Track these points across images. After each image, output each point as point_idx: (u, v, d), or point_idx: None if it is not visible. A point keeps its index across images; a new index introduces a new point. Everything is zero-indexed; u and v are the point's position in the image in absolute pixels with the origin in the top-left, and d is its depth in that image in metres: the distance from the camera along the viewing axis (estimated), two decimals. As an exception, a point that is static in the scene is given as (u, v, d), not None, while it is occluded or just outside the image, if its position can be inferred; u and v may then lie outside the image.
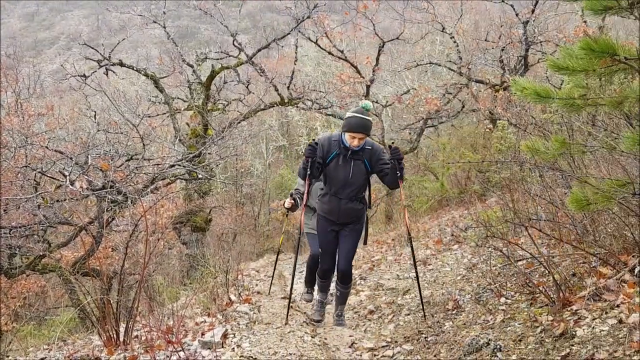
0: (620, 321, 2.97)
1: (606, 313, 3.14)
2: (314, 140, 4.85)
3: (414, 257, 5.28)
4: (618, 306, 3.14)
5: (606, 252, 3.80)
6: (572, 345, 2.97)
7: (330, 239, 5.10)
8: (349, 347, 4.60)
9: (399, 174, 4.74)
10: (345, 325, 5.38)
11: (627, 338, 2.76)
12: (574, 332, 3.08)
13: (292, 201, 6.15)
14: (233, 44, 13.32)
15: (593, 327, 3.04)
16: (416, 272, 5.14)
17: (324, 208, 5.05)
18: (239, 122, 13.51)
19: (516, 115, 9.88)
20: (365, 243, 5.35)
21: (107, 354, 4.24)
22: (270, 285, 8.07)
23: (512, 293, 4.33)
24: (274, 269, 8.38)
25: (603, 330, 2.96)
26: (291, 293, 5.22)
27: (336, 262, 5.20)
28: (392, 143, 4.96)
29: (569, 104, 3.29)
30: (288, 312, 5.18)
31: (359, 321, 5.85)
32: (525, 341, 3.31)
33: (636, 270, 3.43)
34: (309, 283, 6.53)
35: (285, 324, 5.00)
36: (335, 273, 5.20)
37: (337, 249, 5.13)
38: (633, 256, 3.59)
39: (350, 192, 4.91)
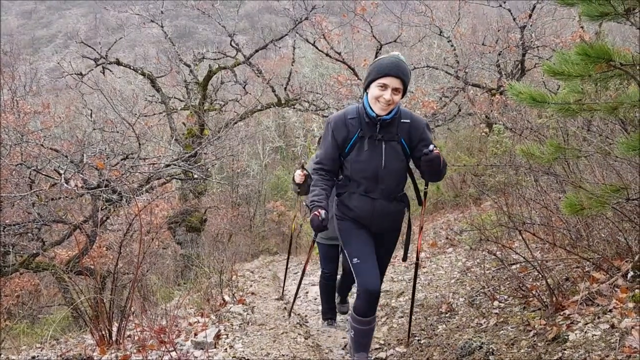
0: (613, 326, 2.98)
1: (599, 318, 3.14)
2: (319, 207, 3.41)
3: (414, 284, 4.17)
4: (610, 311, 3.15)
5: (599, 257, 3.81)
6: (565, 350, 2.97)
7: (366, 237, 3.61)
8: (342, 349, 4.60)
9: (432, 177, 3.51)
10: None
11: (619, 343, 2.77)
12: (566, 337, 3.09)
13: (305, 172, 4.61)
14: (231, 45, 13.30)
15: (585, 332, 3.04)
16: (413, 293, 4.19)
17: (351, 212, 3.59)
18: (236, 123, 13.51)
19: (512, 119, 9.92)
20: (404, 259, 3.87)
21: (100, 353, 4.23)
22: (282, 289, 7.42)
23: (506, 297, 4.34)
24: (285, 273, 6.99)
25: (595, 335, 2.97)
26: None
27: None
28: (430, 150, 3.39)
29: (565, 108, 3.30)
30: (292, 306, 5.45)
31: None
32: (518, 345, 3.32)
33: (629, 276, 3.44)
34: (328, 311, 5.49)
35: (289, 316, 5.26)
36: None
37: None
38: (626, 261, 3.60)
39: (386, 187, 3.50)
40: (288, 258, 5.88)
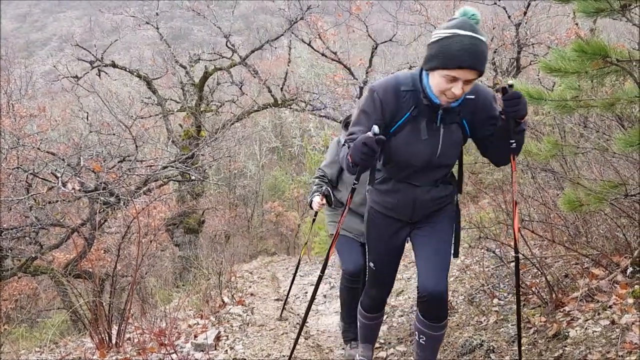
0: (613, 322, 2.98)
1: (599, 314, 3.15)
2: (376, 127, 2.49)
3: (518, 291, 2.87)
4: (610, 307, 3.16)
5: (598, 253, 3.81)
6: (565, 346, 2.98)
7: (393, 247, 3.05)
8: (342, 348, 4.60)
9: (513, 144, 2.63)
10: None
11: (619, 339, 2.77)
12: (566, 333, 3.09)
13: (323, 198, 4.05)
14: (226, 45, 13.29)
15: (586, 328, 3.05)
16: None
17: (386, 201, 2.93)
18: (232, 124, 13.49)
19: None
20: (456, 254, 2.99)
21: (100, 356, 4.22)
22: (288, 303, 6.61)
23: (505, 294, 4.34)
24: (291, 284, 6.02)
25: (596, 331, 2.97)
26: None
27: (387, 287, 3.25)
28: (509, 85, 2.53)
29: (561, 105, 3.31)
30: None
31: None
32: (519, 342, 3.32)
33: (628, 271, 3.44)
34: (349, 328, 4.22)
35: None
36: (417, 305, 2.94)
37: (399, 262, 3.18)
38: (625, 257, 3.60)
39: (434, 175, 2.85)
40: (295, 273, 5.38)
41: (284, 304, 5.38)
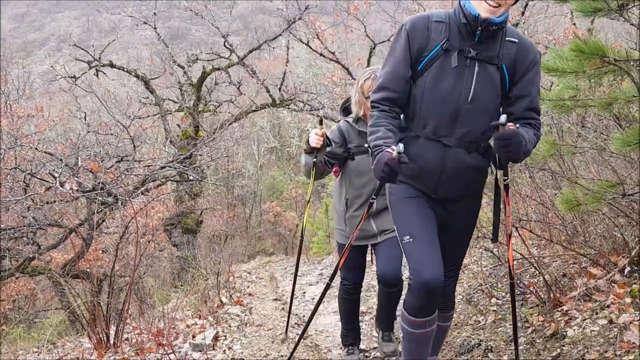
0: (611, 321, 2.98)
1: (596, 313, 3.15)
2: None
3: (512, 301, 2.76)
4: (608, 306, 3.16)
5: (596, 252, 3.82)
6: (563, 346, 2.98)
7: (424, 209, 2.55)
8: (341, 348, 4.59)
9: (505, 180, 2.49)
10: None
11: (617, 338, 2.77)
12: (564, 333, 3.09)
13: (323, 129, 3.45)
14: (224, 45, 13.28)
15: (584, 328, 3.05)
16: None
17: (409, 167, 2.41)
18: (230, 124, 13.49)
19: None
20: (495, 239, 2.71)
21: (98, 356, 4.22)
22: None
23: (503, 294, 4.34)
24: (293, 288, 4.78)
25: (594, 331, 2.98)
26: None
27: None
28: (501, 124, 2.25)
29: (559, 105, 3.31)
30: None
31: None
32: (517, 342, 3.32)
33: (626, 271, 3.45)
34: (349, 334, 3.90)
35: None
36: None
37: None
38: (623, 256, 3.61)
39: (467, 132, 2.41)
40: (295, 275, 4.46)
41: (288, 319, 4.64)
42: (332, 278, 2.92)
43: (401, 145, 2.23)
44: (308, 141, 3.48)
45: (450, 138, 2.42)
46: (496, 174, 2.60)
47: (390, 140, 2.35)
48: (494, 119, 2.31)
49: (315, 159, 3.52)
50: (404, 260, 2.73)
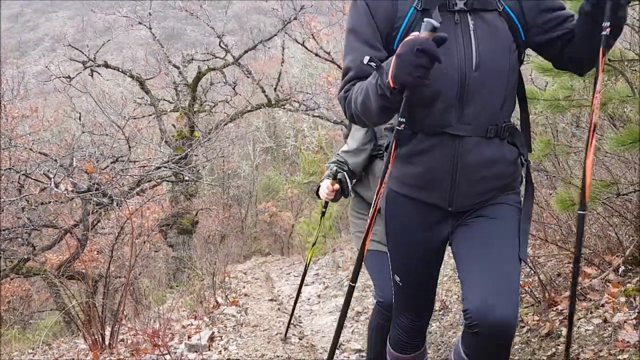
0: (605, 320, 3.00)
1: (591, 312, 3.16)
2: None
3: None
4: (603, 305, 3.17)
5: (591, 252, 3.83)
6: (558, 345, 2.99)
7: (427, 250, 2.04)
8: (337, 348, 4.60)
9: (606, 29, 1.67)
10: None
11: (612, 337, 2.78)
12: (559, 332, 3.10)
13: (336, 184, 2.95)
14: (219, 46, 13.27)
15: (578, 327, 3.06)
16: None
17: (410, 173, 1.93)
18: (226, 124, 13.48)
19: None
20: (523, 256, 1.89)
21: (93, 357, 4.20)
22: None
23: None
24: (296, 298, 4.86)
25: (588, 330, 2.99)
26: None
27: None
28: None
29: (554, 105, 3.32)
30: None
31: (346, 322, 5.85)
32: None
33: (620, 270, 3.46)
34: None
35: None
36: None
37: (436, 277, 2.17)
38: (617, 256, 3.62)
39: (479, 111, 1.83)
40: (301, 283, 4.20)
41: (289, 323, 4.61)
42: (354, 279, 2.02)
43: (434, 21, 1.56)
44: (318, 191, 3.06)
45: (460, 125, 1.81)
46: (526, 177, 2.00)
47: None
48: (510, 83, 1.85)
49: (325, 207, 3.37)
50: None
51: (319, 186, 3.05)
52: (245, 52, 13.46)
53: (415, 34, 1.59)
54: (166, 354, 3.82)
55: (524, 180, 2.01)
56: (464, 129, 1.81)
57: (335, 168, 2.97)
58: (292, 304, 4.80)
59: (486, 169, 1.86)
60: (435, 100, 1.79)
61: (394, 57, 1.60)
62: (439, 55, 1.55)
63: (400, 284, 2.08)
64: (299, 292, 4.24)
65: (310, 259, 4.29)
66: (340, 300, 6.70)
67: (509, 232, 1.89)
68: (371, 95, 1.71)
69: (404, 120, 1.72)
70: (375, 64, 1.65)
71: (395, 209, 2.03)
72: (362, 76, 1.82)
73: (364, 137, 2.98)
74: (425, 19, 1.56)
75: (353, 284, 1.94)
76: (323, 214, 3.84)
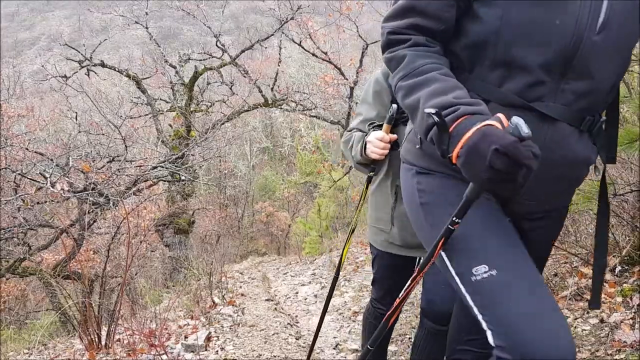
0: (602, 320, 3.00)
1: (588, 313, 3.17)
2: None
3: None
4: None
5: (587, 252, 3.84)
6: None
7: (508, 225, 1.39)
8: (333, 348, 4.60)
9: None
10: None
11: (608, 337, 2.79)
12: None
13: (389, 139, 2.21)
14: (216, 45, 13.25)
15: (575, 327, 3.06)
16: None
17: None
18: (223, 124, 13.46)
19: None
20: (595, 305, 1.56)
21: (89, 357, 4.19)
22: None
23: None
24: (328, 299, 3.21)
25: (585, 330, 2.99)
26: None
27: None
28: None
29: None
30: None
31: (343, 322, 5.84)
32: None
33: (617, 270, 3.47)
34: None
35: None
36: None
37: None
38: (614, 256, 3.63)
39: (589, 87, 1.30)
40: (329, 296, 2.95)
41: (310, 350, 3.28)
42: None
43: (519, 120, 1.09)
44: (365, 150, 2.30)
45: (553, 105, 1.30)
46: (603, 171, 1.58)
47: (470, 98, 1.24)
48: (626, 65, 1.37)
49: (372, 173, 2.41)
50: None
51: (363, 146, 2.30)
52: (242, 51, 13.46)
53: (496, 121, 1.12)
54: (163, 354, 3.81)
55: (602, 186, 1.58)
56: (558, 111, 1.30)
57: (391, 110, 2.16)
58: (289, 303, 4.80)
59: (569, 169, 1.41)
60: (527, 62, 1.27)
61: (463, 137, 1.13)
62: (529, 163, 1.08)
63: (497, 273, 1.26)
64: (328, 302, 2.99)
65: (345, 254, 2.87)
66: (338, 300, 6.70)
67: (544, 251, 1.59)
68: (424, 126, 1.24)
69: (458, 221, 1.26)
70: (438, 120, 1.17)
71: (438, 180, 1.45)
72: (425, 19, 1.35)
73: (372, 98, 2.36)
74: (515, 121, 1.09)
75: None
76: (364, 194, 2.58)
